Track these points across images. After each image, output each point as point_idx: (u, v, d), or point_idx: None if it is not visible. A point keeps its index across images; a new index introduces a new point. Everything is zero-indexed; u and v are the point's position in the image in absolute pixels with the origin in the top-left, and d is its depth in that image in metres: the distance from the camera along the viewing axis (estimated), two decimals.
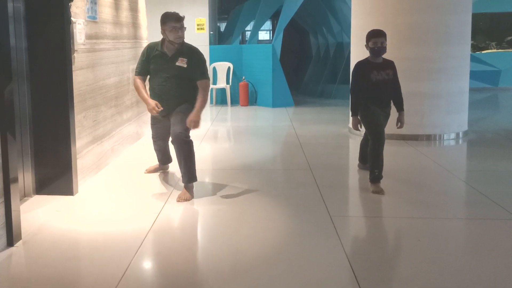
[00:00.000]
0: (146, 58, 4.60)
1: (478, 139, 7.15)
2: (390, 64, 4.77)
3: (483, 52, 15.09)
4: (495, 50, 15.39)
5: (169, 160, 5.22)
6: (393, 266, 3.19)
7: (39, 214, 4.04)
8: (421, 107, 6.83)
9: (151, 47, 4.62)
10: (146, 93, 4.61)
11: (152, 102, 4.49)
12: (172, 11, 4.49)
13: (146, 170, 5.27)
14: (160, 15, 4.49)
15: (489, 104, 11.94)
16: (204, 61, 4.60)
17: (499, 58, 14.44)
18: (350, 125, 5.39)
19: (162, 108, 4.49)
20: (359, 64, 4.78)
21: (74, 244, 3.53)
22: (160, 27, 4.46)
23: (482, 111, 10.07)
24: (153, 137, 5.03)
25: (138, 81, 4.65)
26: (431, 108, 6.90)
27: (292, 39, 16.23)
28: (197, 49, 4.59)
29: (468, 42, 7.19)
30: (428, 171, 5.46)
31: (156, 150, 5.11)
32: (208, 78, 4.58)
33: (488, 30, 15.85)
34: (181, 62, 4.47)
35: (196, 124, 4.40)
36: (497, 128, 8.19)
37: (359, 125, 4.74)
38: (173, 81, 4.50)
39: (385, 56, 4.75)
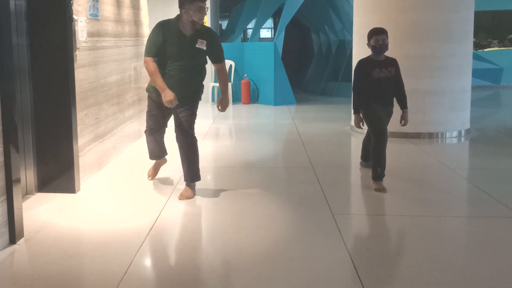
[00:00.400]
0: (162, 37, 4.17)
1: (480, 137, 7.14)
2: (392, 62, 4.75)
3: (485, 50, 15.06)
4: (497, 48, 15.36)
5: (165, 152, 4.89)
6: (396, 264, 3.19)
7: (41, 212, 4.04)
8: (423, 105, 6.82)
9: (165, 25, 4.22)
10: (162, 80, 4.15)
11: (171, 94, 4.09)
12: None
13: (150, 177, 4.95)
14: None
15: (491, 102, 11.92)
16: (220, 42, 4.49)
17: (501, 56, 14.41)
18: (352, 123, 5.38)
19: (177, 102, 4.15)
20: (361, 62, 4.77)
21: (76, 241, 3.53)
22: (179, 5, 4.16)
23: (484, 109, 10.06)
24: (150, 129, 4.61)
25: (153, 64, 4.16)
26: (433, 106, 6.89)
27: (294, 37, 16.19)
28: (212, 29, 4.48)
29: (470, 40, 7.17)
30: (430, 169, 5.45)
31: (151, 144, 4.69)
32: (224, 61, 4.56)
33: (490, 28, 15.81)
34: (201, 44, 4.25)
35: (226, 107, 4.67)
36: (499, 126, 8.17)
37: (361, 123, 4.73)
38: (190, 67, 4.27)
39: (386, 54, 4.74)
